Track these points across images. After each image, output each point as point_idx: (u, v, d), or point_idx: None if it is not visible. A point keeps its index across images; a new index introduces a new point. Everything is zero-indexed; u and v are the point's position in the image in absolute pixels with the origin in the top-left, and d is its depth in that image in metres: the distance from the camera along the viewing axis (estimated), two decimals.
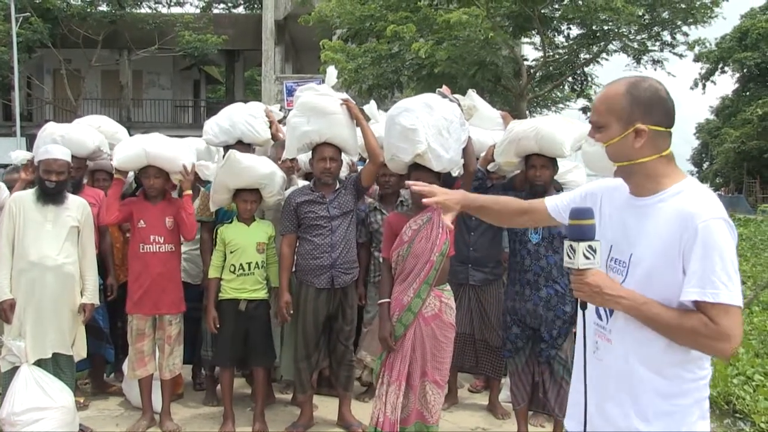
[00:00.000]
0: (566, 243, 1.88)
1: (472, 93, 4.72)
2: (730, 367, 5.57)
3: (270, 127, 4.87)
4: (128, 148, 4.23)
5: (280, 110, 5.45)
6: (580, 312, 1.95)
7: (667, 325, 1.79)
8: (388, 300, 3.66)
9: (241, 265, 4.21)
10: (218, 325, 4.22)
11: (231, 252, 4.24)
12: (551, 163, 3.88)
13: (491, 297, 4.57)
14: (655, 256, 1.83)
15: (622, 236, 1.94)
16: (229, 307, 4.24)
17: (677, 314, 1.78)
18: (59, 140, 4.38)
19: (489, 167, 4.26)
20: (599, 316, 1.99)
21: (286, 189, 4.51)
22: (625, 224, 1.94)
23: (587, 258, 1.85)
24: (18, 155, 4.55)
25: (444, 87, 3.90)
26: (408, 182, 2.77)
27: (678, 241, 1.78)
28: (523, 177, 4.21)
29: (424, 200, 2.50)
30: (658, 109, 1.88)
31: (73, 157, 4.33)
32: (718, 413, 4.95)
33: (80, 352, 4.14)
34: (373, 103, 4.65)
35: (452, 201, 2.50)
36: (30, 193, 4.00)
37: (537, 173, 3.86)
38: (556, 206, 2.22)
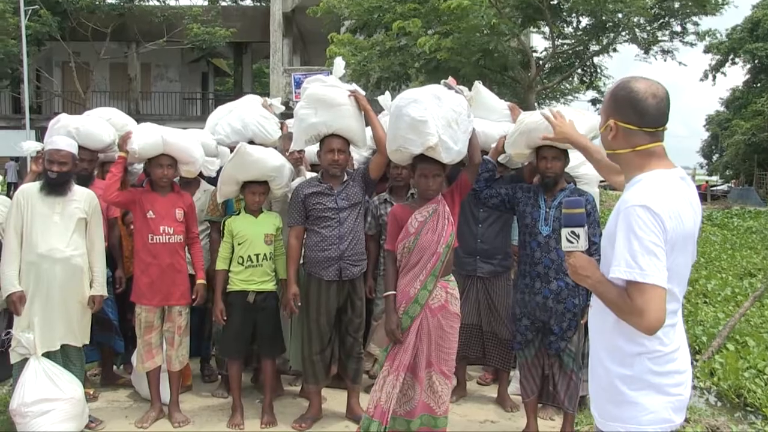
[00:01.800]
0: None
1: (478, 84, 4.68)
2: (741, 361, 5.54)
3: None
4: (147, 136, 4.22)
5: (282, 104, 5.44)
6: None
7: (607, 301, 2.03)
8: (393, 292, 3.65)
9: (249, 256, 4.21)
10: (226, 318, 4.23)
11: (239, 244, 4.24)
12: (563, 154, 3.85)
13: (499, 289, 4.57)
14: (605, 237, 2.12)
15: None
16: (237, 299, 4.24)
17: (616, 291, 2.00)
18: (74, 132, 4.37)
19: (500, 159, 4.23)
20: None
21: (293, 180, 4.50)
22: None
23: (570, 242, 2.13)
24: (29, 146, 4.55)
25: (450, 78, 3.86)
26: (542, 112, 3.42)
27: (616, 224, 2.01)
28: (531, 169, 4.18)
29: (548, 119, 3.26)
30: (627, 109, 2.07)
31: (84, 149, 4.37)
32: (728, 406, 4.93)
33: (83, 339, 4.13)
34: (387, 94, 4.63)
35: (563, 132, 3.12)
36: (37, 185, 4.00)
37: (548, 165, 3.82)
38: None
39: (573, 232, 2.12)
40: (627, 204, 1.97)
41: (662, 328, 1.96)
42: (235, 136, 4.76)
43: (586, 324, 3.86)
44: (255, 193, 4.25)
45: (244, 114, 4.86)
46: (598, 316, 2.16)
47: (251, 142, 4.63)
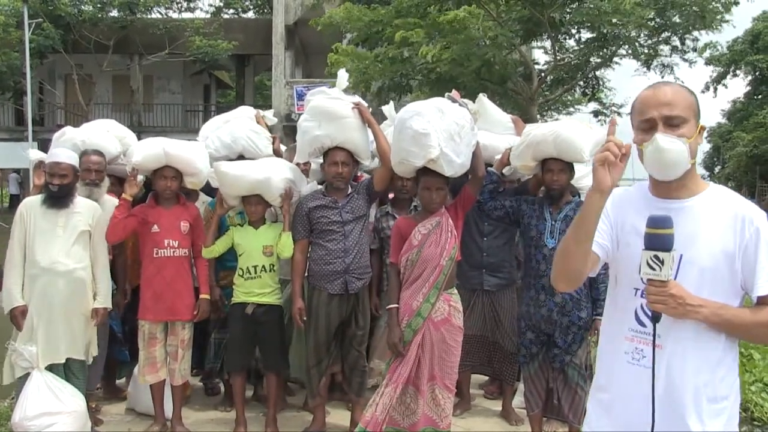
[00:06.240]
0: (647, 253, 1.80)
1: (482, 97, 4.70)
2: (747, 374, 5.50)
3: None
4: (148, 148, 4.21)
5: (283, 115, 5.39)
6: (647, 323, 1.90)
7: (745, 323, 1.87)
8: (396, 305, 3.64)
9: (247, 268, 4.20)
10: (229, 330, 4.24)
11: (239, 255, 4.25)
12: (568, 167, 3.84)
13: (505, 302, 4.57)
14: (712, 255, 1.87)
15: None
16: (239, 311, 4.24)
17: (749, 312, 1.87)
18: (80, 145, 4.35)
19: (504, 171, 4.23)
20: (640, 323, 1.95)
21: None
22: None
23: (651, 268, 1.80)
24: (35, 155, 4.56)
25: (454, 91, 3.87)
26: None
27: (738, 240, 1.86)
28: (536, 181, 4.18)
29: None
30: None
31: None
32: None
33: (92, 351, 4.11)
34: (391, 104, 4.63)
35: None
36: (40, 198, 3.99)
37: (554, 177, 3.82)
38: (597, 243, 2.00)
39: (656, 257, 1.78)
40: (759, 219, 1.86)
41: None
42: (224, 150, 4.63)
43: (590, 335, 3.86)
44: (250, 203, 4.25)
45: (234, 128, 4.74)
46: (696, 353, 1.89)
47: (241, 157, 4.58)
